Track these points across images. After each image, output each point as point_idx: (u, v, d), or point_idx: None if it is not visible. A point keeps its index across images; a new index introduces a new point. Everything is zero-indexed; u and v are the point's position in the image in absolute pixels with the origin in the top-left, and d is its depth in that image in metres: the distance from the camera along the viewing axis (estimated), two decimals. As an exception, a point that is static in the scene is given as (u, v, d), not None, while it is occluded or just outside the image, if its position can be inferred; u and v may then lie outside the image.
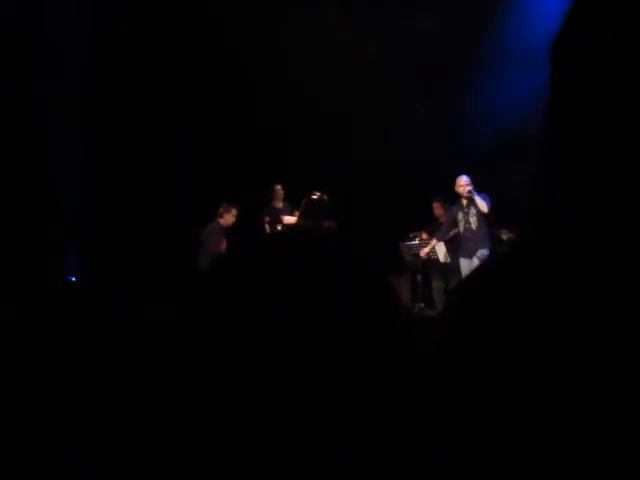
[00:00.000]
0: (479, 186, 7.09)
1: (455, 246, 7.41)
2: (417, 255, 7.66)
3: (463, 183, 7.17)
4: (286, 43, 8.06)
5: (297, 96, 8.07)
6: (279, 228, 7.81)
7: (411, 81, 7.89)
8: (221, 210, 7.37)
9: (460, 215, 7.25)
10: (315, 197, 7.44)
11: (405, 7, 7.96)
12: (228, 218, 7.35)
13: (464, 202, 7.14)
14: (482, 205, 7.02)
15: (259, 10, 8.00)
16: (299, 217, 7.50)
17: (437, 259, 7.52)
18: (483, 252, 7.02)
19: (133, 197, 7.49)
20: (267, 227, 8.14)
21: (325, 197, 7.44)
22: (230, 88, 8.07)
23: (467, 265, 7.13)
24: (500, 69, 7.86)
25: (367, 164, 7.98)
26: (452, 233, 7.54)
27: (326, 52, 8.08)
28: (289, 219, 7.64)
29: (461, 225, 7.25)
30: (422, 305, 7.55)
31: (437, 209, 7.94)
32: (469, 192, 7.10)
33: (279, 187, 8.07)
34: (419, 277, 7.76)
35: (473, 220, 7.15)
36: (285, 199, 8.10)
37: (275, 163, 8.07)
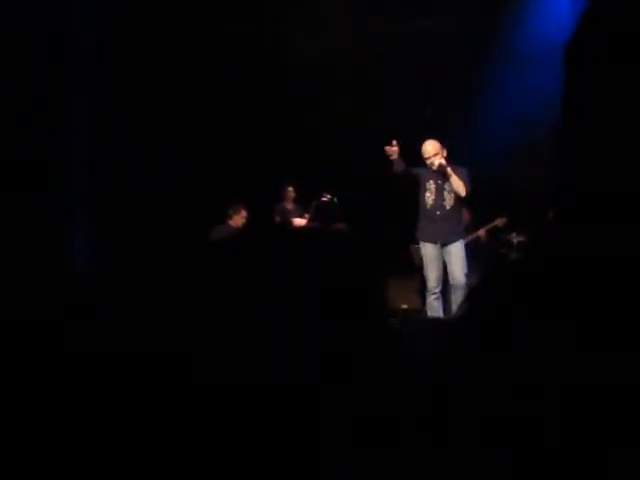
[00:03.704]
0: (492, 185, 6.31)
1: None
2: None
3: (430, 154, 5.58)
4: (289, 43, 8.08)
5: (303, 96, 8.06)
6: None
7: (417, 82, 7.85)
8: (230, 212, 7.37)
9: (430, 184, 5.66)
10: (325, 199, 7.44)
11: (408, 7, 7.95)
12: (238, 219, 7.35)
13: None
14: (459, 186, 5.53)
15: (259, 10, 8.01)
16: (309, 219, 7.49)
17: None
18: (459, 244, 5.72)
19: (141, 196, 7.49)
20: (276, 229, 8.12)
21: (335, 199, 7.43)
22: (235, 88, 8.06)
23: (432, 252, 5.83)
24: (510, 70, 7.83)
25: (377, 165, 7.95)
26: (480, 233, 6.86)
27: (330, 52, 8.08)
28: (299, 221, 7.63)
29: (429, 198, 5.71)
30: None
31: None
32: (440, 167, 5.51)
33: (291, 189, 8.04)
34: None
35: (449, 198, 5.65)
36: (295, 201, 8.09)
37: (282, 164, 8.06)
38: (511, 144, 7.56)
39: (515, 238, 7.24)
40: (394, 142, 5.64)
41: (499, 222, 7.15)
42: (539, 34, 7.56)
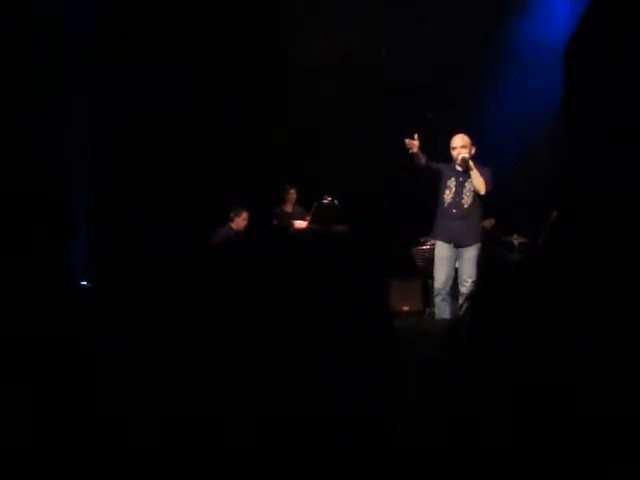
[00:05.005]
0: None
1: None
2: (429, 260, 7.53)
3: (457, 145, 5.55)
4: (290, 43, 8.09)
5: (308, 99, 8.07)
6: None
7: (418, 83, 7.85)
8: (232, 214, 7.37)
9: (452, 182, 5.58)
10: (326, 201, 7.42)
11: (409, 10, 7.96)
12: (239, 222, 7.36)
13: (460, 168, 5.56)
14: (479, 183, 5.47)
15: (261, 10, 8.02)
16: (309, 221, 7.48)
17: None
18: (472, 250, 5.58)
19: (143, 198, 7.50)
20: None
21: (336, 201, 7.42)
22: (235, 88, 8.06)
23: (444, 252, 5.66)
24: (511, 72, 7.83)
25: (379, 167, 7.96)
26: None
27: (330, 53, 8.09)
28: (299, 223, 7.61)
29: (447, 195, 5.60)
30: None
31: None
32: (463, 161, 5.48)
33: (293, 190, 7.95)
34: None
35: (467, 196, 5.55)
36: (296, 203, 8.04)
37: (284, 166, 8.05)
38: (511, 145, 7.55)
39: (516, 239, 7.21)
40: (415, 135, 5.55)
41: (486, 223, 7.05)
42: (539, 37, 7.57)
